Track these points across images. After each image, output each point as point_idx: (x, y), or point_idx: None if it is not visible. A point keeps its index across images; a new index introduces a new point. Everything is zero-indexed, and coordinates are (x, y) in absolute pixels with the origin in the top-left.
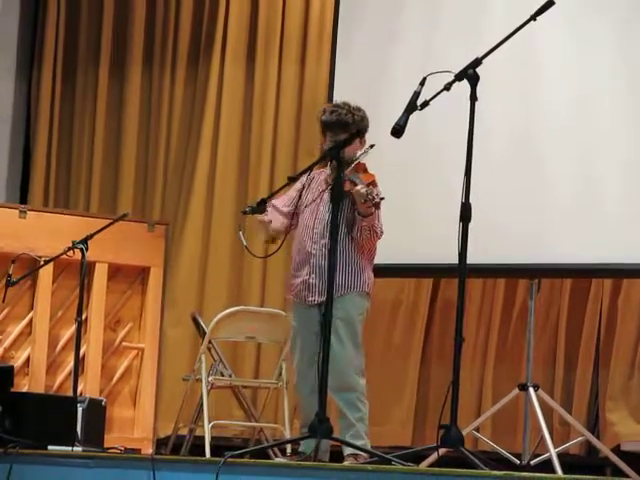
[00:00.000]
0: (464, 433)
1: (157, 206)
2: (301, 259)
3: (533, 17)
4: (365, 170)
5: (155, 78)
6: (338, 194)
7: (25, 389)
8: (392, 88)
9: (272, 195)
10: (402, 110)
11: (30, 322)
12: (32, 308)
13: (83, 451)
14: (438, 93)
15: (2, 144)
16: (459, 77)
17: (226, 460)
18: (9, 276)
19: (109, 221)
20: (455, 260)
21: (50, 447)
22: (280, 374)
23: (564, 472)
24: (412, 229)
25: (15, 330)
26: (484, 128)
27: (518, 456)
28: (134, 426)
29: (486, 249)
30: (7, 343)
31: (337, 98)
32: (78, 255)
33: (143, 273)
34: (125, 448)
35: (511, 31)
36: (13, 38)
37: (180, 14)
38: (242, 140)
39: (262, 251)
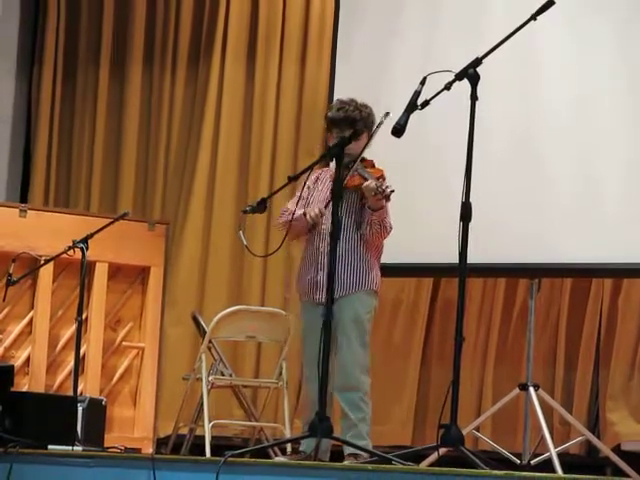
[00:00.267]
0: (464, 433)
1: (157, 205)
2: (309, 258)
3: (533, 17)
4: (373, 165)
5: (155, 78)
6: (338, 192)
7: (25, 388)
8: (392, 88)
9: (272, 195)
10: (402, 110)
11: (30, 321)
12: (32, 307)
13: (83, 451)
14: (438, 92)
15: (3, 144)
16: (460, 77)
17: (226, 460)
18: (9, 275)
19: (109, 220)
20: (455, 260)
21: (50, 447)
22: (280, 373)
23: (564, 472)
24: (412, 229)
25: (15, 329)
26: (484, 128)
27: (518, 456)
28: (134, 426)
29: (486, 249)
30: (7, 342)
31: (338, 95)
32: (78, 254)
33: (143, 272)
34: (125, 448)
35: (511, 31)
36: (13, 39)
37: (180, 14)
38: (242, 140)
39: (262, 250)
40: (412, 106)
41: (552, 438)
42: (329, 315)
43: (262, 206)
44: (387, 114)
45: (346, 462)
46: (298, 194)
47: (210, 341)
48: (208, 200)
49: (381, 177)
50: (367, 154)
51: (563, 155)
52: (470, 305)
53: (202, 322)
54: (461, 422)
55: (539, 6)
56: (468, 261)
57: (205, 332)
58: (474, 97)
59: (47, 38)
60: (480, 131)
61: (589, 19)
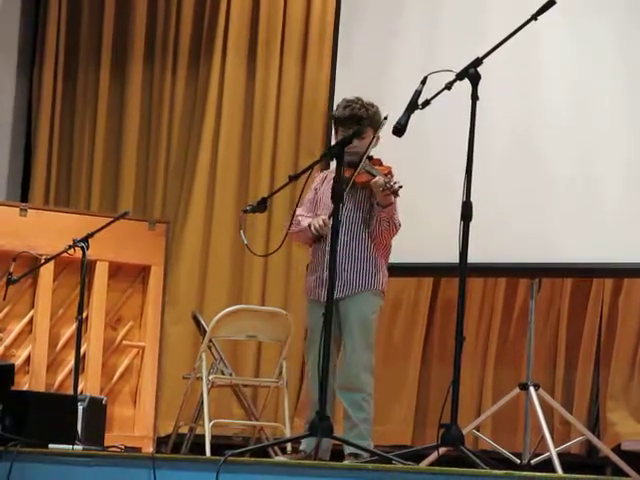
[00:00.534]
0: (464, 432)
1: (158, 204)
2: (317, 257)
3: (534, 16)
4: (381, 163)
5: (156, 77)
6: (339, 192)
7: (26, 387)
8: (393, 88)
9: (272, 194)
10: (403, 109)
11: (31, 320)
12: (33, 306)
13: (83, 450)
14: (439, 92)
15: (3, 142)
16: (460, 76)
17: (226, 459)
18: (10, 274)
19: (110, 219)
20: (456, 259)
21: (51, 445)
22: (280, 373)
23: (564, 471)
24: (413, 228)
25: (16, 328)
26: (485, 127)
27: (518, 455)
28: (134, 425)
29: (487, 248)
30: (8, 341)
31: (338, 97)
32: (79, 253)
33: (144, 271)
34: (125, 447)
35: (512, 31)
36: (14, 37)
37: (181, 13)
38: (243, 139)
39: (263, 250)
40: (413, 106)
41: (552, 438)
42: (329, 315)
43: (262, 205)
44: (385, 118)
45: (346, 462)
46: (310, 195)
47: (210, 340)
48: (209, 199)
49: (389, 173)
50: (370, 153)
51: (563, 155)
52: (470, 305)
53: (202, 321)
54: (461, 422)
55: (540, 6)
56: (468, 261)
57: (205, 331)
58: (475, 97)
59: (48, 36)
60: (481, 131)
61: (589, 19)
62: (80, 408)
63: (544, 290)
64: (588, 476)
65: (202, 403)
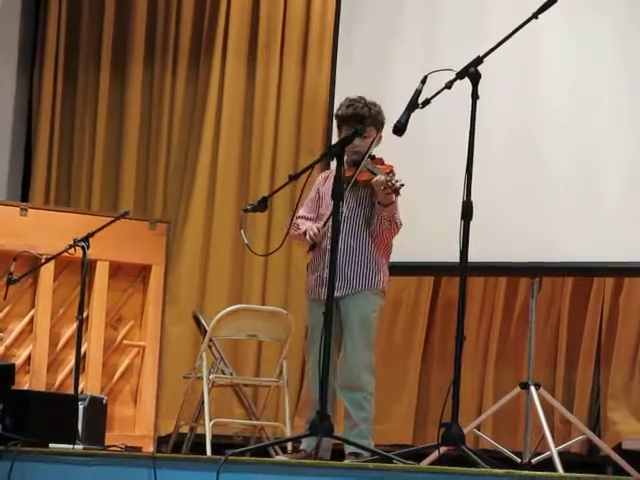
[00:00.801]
0: (465, 431)
1: (158, 204)
2: (317, 256)
3: (535, 15)
4: (383, 163)
5: (156, 77)
6: (339, 191)
7: (26, 387)
8: (393, 87)
9: (273, 193)
10: (403, 109)
11: (31, 320)
12: (33, 306)
13: (84, 449)
14: (439, 91)
15: (3, 142)
16: (461, 75)
17: (227, 458)
18: (10, 274)
19: (110, 219)
20: (456, 259)
21: (51, 445)
22: (281, 372)
23: (565, 470)
24: (413, 227)
25: (16, 328)
26: (485, 127)
27: (519, 454)
28: (135, 424)
29: (487, 248)
30: (8, 341)
31: (338, 97)
32: (79, 253)
33: (144, 271)
34: (126, 446)
35: (513, 29)
36: (14, 36)
37: (181, 13)
38: (243, 139)
39: (263, 249)
40: (413, 105)
41: (553, 437)
42: (330, 314)
43: (263, 205)
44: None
45: (347, 461)
46: (312, 195)
47: (211, 340)
48: (209, 199)
49: (390, 172)
50: (373, 153)
51: (563, 154)
52: (471, 304)
53: (203, 321)
54: (462, 421)
55: (540, 4)
56: (469, 260)
57: (206, 331)
58: (475, 96)
59: (48, 36)
60: (481, 130)
61: (589, 19)
62: (81, 407)
63: (545, 289)
64: (589, 475)
65: (203, 402)
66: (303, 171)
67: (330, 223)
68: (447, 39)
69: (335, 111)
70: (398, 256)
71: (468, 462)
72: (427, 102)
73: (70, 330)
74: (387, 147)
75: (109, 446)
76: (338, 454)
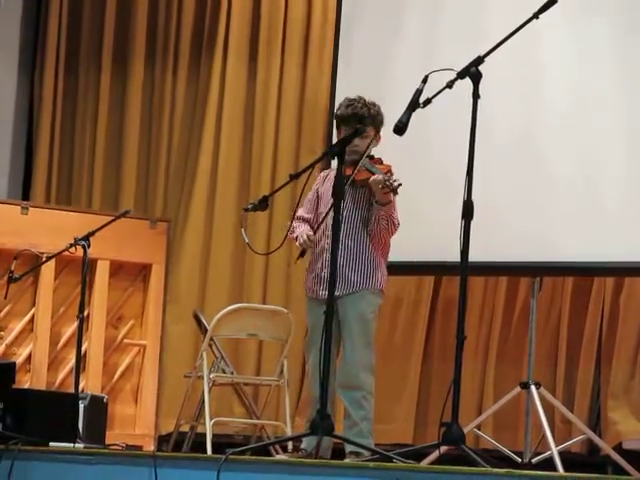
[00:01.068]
0: (465, 431)
1: (159, 203)
2: (316, 254)
3: (535, 15)
4: (381, 162)
5: (157, 76)
6: (340, 190)
7: (27, 386)
8: (394, 86)
9: (274, 192)
10: (404, 108)
11: (32, 319)
12: (34, 305)
13: (85, 448)
14: (440, 91)
15: (4, 141)
16: (462, 75)
17: (227, 457)
18: (11, 272)
19: (111, 218)
20: (457, 258)
21: (52, 444)
22: (282, 371)
23: (565, 470)
24: (414, 227)
25: (17, 327)
26: (486, 126)
27: (519, 454)
28: (136, 423)
29: (488, 247)
30: (9, 340)
31: (339, 96)
32: (80, 252)
33: (145, 270)
34: (127, 445)
35: (513, 29)
36: (15, 35)
37: (182, 12)
38: (244, 138)
39: (264, 248)
40: (414, 104)
41: (553, 436)
42: (330, 314)
43: (264, 204)
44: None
45: (347, 460)
46: (310, 195)
47: (211, 339)
48: (210, 198)
49: (389, 172)
50: (373, 151)
51: (564, 154)
52: (471, 303)
53: (203, 320)
54: (462, 420)
55: (541, 5)
56: (469, 259)
57: (206, 330)
58: (476, 95)
59: (49, 35)
60: (481, 130)
61: (590, 19)
62: (81, 406)
63: (545, 289)
64: (589, 475)
65: (203, 401)
66: (304, 170)
67: (327, 222)
68: (448, 39)
69: (335, 111)
70: (398, 255)
71: (468, 462)
72: (428, 102)
73: (71, 329)
74: (388, 147)
75: (110, 445)
76: (338, 453)
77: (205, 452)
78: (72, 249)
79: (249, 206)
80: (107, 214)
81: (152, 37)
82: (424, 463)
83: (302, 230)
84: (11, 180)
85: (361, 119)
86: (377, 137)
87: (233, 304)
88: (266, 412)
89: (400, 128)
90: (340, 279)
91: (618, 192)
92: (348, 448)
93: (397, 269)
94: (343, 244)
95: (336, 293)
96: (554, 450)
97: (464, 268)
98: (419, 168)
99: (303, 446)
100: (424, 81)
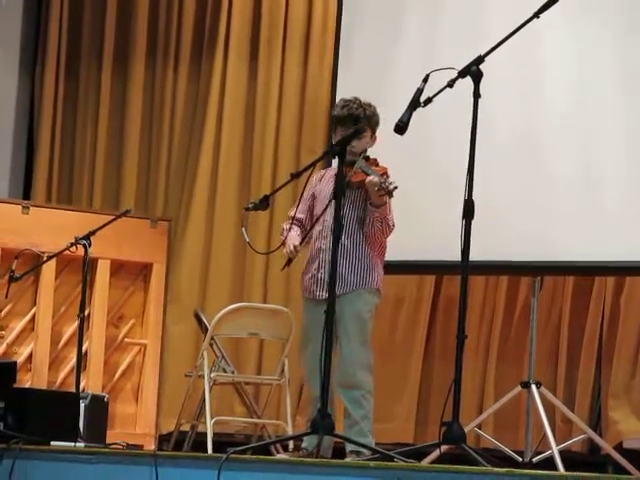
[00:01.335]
0: (466, 430)
1: (160, 202)
2: (312, 254)
3: (536, 14)
4: (377, 164)
5: (158, 75)
6: (340, 190)
7: (28, 385)
8: (395, 86)
9: (275, 192)
10: (404, 108)
11: (33, 318)
12: (35, 304)
13: (85, 447)
14: (441, 90)
15: (5, 140)
16: (462, 74)
17: (228, 456)
18: (12, 272)
19: (112, 217)
20: (457, 257)
21: (53, 443)
22: (282, 371)
23: (566, 469)
24: (415, 226)
25: (18, 326)
26: (486, 126)
27: (520, 453)
28: (136, 422)
29: (489, 246)
30: (10, 339)
31: (339, 96)
32: (81, 251)
33: (146, 269)
34: (127, 444)
35: (514, 29)
36: (16, 34)
37: (183, 12)
38: (245, 137)
39: (264, 247)
40: (415, 104)
41: (554, 436)
42: (331, 313)
43: (264, 203)
44: (367, 157)
45: (348, 459)
46: (305, 196)
47: (212, 338)
48: (210, 197)
49: (384, 174)
50: (371, 152)
51: (564, 154)
52: (472, 303)
53: (204, 319)
54: (463, 420)
55: (542, 4)
56: (470, 259)
57: (207, 329)
58: (477, 95)
59: (50, 34)
60: (482, 129)
61: (590, 19)
62: (82, 405)
63: (546, 288)
64: (590, 474)
65: (204, 401)
66: (304, 169)
67: (324, 223)
68: (448, 39)
69: (331, 112)
70: (399, 254)
71: (469, 461)
72: (429, 101)
73: (71, 328)
74: (388, 146)
75: (110, 444)
76: (339, 452)
77: (206, 451)
78: (73, 248)
79: (250, 205)
80: (108, 213)
81: (153, 35)
82: (425, 462)
83: (290, 237)
84: (12, 179)
85: (357, 120)
86: (373, 138)
87: (234, 303)
88: (267, 411)
89: (401, 127)
90: (337, 278)
91: (618, 192)
92: (349, 447)
93: (398, 268)
94: (340, 244)
95: None
96: (555, 449)
97: (465, 267)
98: (420, 167)
99: (304, 445)
100: (425, 80)
